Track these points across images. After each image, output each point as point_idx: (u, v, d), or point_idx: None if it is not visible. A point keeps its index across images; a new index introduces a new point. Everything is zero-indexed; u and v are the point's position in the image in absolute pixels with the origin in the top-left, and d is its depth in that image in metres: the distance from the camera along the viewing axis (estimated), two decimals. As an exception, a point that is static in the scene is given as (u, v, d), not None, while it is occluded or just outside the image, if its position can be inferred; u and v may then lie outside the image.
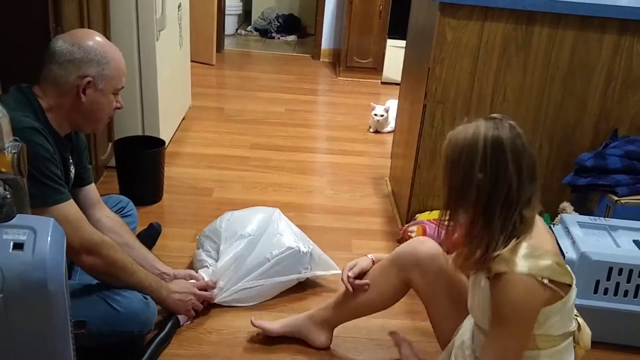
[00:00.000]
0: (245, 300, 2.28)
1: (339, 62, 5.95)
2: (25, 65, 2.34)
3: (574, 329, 1.56)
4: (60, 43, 1.79)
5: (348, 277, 1.93)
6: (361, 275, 1.95)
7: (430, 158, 2.82)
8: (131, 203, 2.44)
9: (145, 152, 2.97)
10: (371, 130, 4.39)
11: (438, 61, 2.66)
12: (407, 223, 2.83)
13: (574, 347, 1.57)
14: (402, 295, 1.94)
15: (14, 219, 1.27)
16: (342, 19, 6.05)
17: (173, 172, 3.35)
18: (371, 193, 3.39)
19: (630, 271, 2.16)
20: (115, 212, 2.29)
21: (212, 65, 5.77)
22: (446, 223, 1.52)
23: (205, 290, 2.20)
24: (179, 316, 2.11)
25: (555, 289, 1.41)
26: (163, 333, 2.02)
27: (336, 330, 2.11)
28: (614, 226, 2.38)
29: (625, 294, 2.19)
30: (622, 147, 2.59)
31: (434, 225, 2.39)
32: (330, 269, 2.43)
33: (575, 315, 1.59)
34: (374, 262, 1.97)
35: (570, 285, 1.46)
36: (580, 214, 2.56)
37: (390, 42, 5.60)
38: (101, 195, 2.40)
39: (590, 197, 2.66)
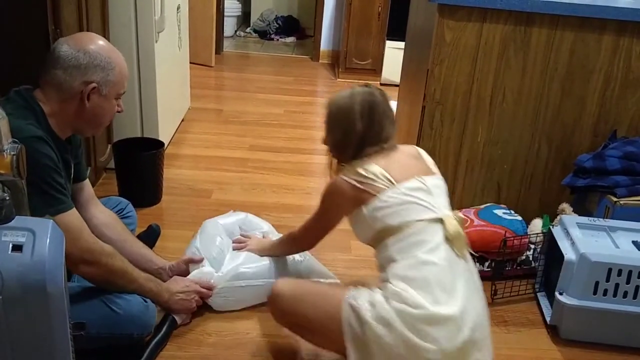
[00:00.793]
0: (239, 302, 2.27)
1: (338, 63, 5.95)
2: (24, 67, 2.35)
3: (420, 218, 1.77)
4: (65, 48, 1.77)
5: None
6: None
7: (429, 159, 2.82)
8: (130, 205, 2.43)
9: (144, 154, 2.97)
10: (370, 131, 4.38)
11: (437, 62, 2.67)
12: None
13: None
14: None
15: (12, 221, 1.27)
16: (341, 20, 6.05)
17: (172, 173, 3.34)
18: (370, 194, 3.38)
19: (630, 272, 2.16)
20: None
21: (211, 66, 5.76)
22: (332, 162, 1.99)
23: (208, 288, 2.19)
24: (175, 316, 2.11)
25: (361, 187, 1.80)
26: (160, 334, 2.02)
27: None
28: (613, 227, 2.38)
29: (625, 295, 2.19)
30: (621, 148, 2.59)
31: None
32: (328, 278, 2.42)
33: (447, 215, 1.82)
34: None
35: (386, 187, 1.80)
36: (579, 215, 2.56)
37: (389, 44, 5.60)
38: (100, 197, 2.40)
39: (590, 198, 2.66)
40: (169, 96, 3.62)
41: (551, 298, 2.34)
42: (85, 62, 1.76)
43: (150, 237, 2.55)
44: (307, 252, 2.38)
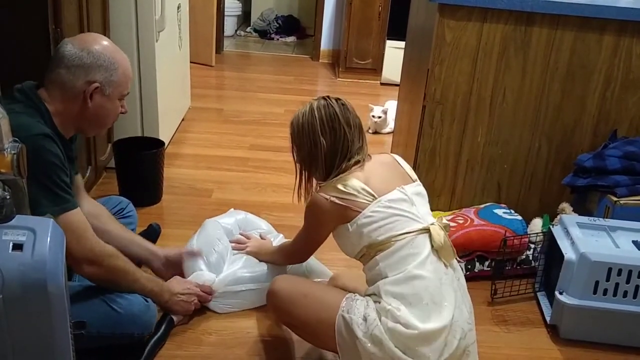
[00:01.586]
0: (238, 305, 2.27)
1: (338, 63, 5.95)
2: (24, 66, 2.34)
3: (407, 231, 1.76)
4: (70, 47, 1.78)
5: None
6: None
7: (429, 159, 2.82)
8: (131, 204, 2.44)
9: (144, 153, 2.97)
10: (370, 131, 4.39)
11: (437, 62, 2.67)
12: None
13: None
14: None
15: (13, 220, 1.27)
16: (341, 20, 6.05)
17: (172, 173, 3.34)
18: (370, 194, 3.38)
19: (630, 272, 2.16)
20: (114, 213, 2.30)
21: (212, 66, 5.76)
22: (304, 184, 1.96)
23: (208, 293, 2.19)
24: (173, 316, 2.10)
25: (342, 204, 1.78)
26: (159, 334, 2.02)
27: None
28: (613, 227, 2.38)
29: (625, 294, 2.19)
30: (621, 148, 2.59)
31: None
32: (327, 276, 2.42)
33: (432, 223, 1.81)
34: None
35: (369, 202, 1.77)
36: (579, 214, 2.56)
37: (389, 43, 5.60)
38: (101, 197, 2.41)
39: (590, 198, 2.66)
40: (170, 95, 3.62)
41: (551, 297, 2.34)
42: (89, 62, 1.77)
43: (150, 236, 2.55)
44: None
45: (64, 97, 1.79)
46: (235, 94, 5.10)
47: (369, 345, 1.70)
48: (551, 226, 2.47)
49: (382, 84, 5.74)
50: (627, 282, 2.17)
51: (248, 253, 2.32)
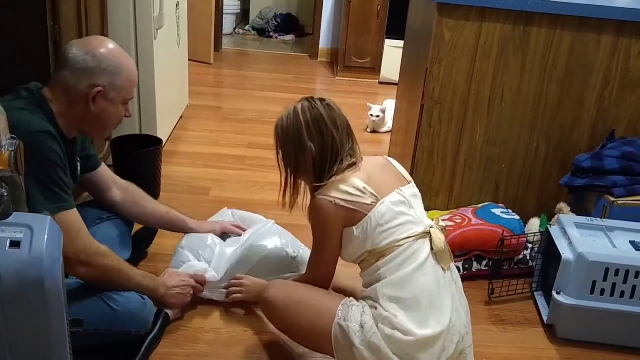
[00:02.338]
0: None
1: (337, 61, 5.95)
2: (22, 63, 2.35)
3: (409, 235, 1.73)
4: (75, 50, 1.79)
5: None
6: None
7: (427, 158, 2.82)
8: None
9: (142, 151, 2.97)
10: (368, 130, 4.39)
11: (436, 61, 2.67)
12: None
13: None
14: None
15: (10, 217, 1.27)
16: (340, 18, 6.05)
17: (170, 171, 3.34)
18: (368, 193, 3.38)
19: (627, 272, 2.16)
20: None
21: (210, 64, 5.76)
22: (290, 190, 1.90)
23: (201, 283, 2.19)
24: (168, 311, 2.09)
25: (349, 206, 1.72)
26: (155, 331, 2.00)
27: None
28: (610, 227, 2.38)
29: (622, 295, 2.19)
30: (619, 149, 2.60)
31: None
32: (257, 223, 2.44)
33: (431, 226, 1.78)
34: None
35: (374, 203, 1.73)
36: (577, 214, 2.56)
37: (388, 42, 5.61)
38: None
39: (587, 198, 2.66)
40: (168, 93, 3.62)
41: (548, 297, 2.34)
42: (93, 66, 1.78)
43: (148, 234, 2.54)
44: (301, 246, 2.38)
45: (67, 99, 1.80)
46: (234, 92, 5.10)
47: (367, 352, 1.69)
48: (549, 226, 2.47)
49: (380, 82, 5.75)
50: (624, 282, 2.17)
51: (246, 299, 2.19)
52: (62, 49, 1.83)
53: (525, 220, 2.67)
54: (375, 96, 5.24)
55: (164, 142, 3.24)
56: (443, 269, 1.77)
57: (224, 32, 6.61)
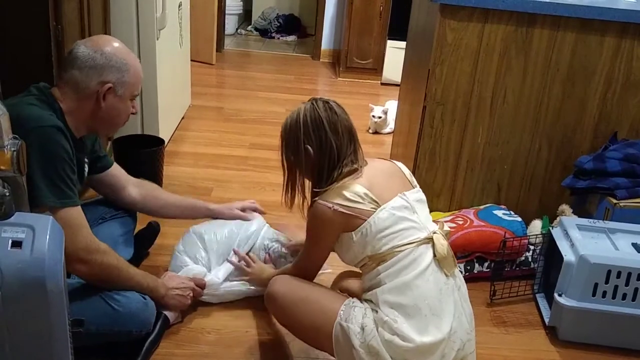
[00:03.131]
0: (230, 297, 2.28)
1: (339, 62, 5.95)
2: (25, 62, 2.35)
3: (411, 240, 1.72)
4: (83, 49, 1.83)
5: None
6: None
7: (429, 159, 2.82)
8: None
9: (144, 151, 2.97)
10: (370, 131, 4.39)
11: (438, 63, 2.66)
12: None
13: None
14: None
15: (12, 217, 1.27)
16: (342, 19, 6.04)
17: (172, 171, 3.34)
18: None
19: (629, 274, 2.16)
20: (114, 211, 2.31)
21: (212, 64, 5.76)
22: (290, 190, 1.89)
23: (201, 286, 2.19)
24: (167, 313, 2.08)
25: (347, 212, 1.71)
26: (154, 333, 1.99)
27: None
28: (612, 229, 2.38)
29: (624, 297, 2.19)
30: (621, 150, 2.59)
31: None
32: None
33: (434, 232, 1.77)
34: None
35: (373, 209, 1.72)
36: (579, 216, 2.56)
37: (390, 43, 5.60)
38: (100, 195, 2.40)
39: (589, 200, 2.66)
40: (170, 93, 3.62)
41: (550, 299, 2.34)
42: (102, 63, 1.83)
43: (149, 234, 2.55)
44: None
45: (77, 97, 1.84)
46: (236, 93, 5.09)
47: (366, 355, 1.68)
48: (551, 228, 2.47)
49: (382, 83, 5.74)
50: (626, 284, 2.17)
51: (250, 278, 2.26)
52: (68, 50, 1.86)
53: (527, 221, 2.66)
54: (377, 97, 5.24)
55: (165, 143, 3.25)
56: (446, 275, 1.75)
57: (226, 32, 6.60)
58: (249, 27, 7.75)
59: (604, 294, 2.19)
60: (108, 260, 1.85)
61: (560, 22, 2.60)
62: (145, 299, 1.94)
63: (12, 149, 1.29)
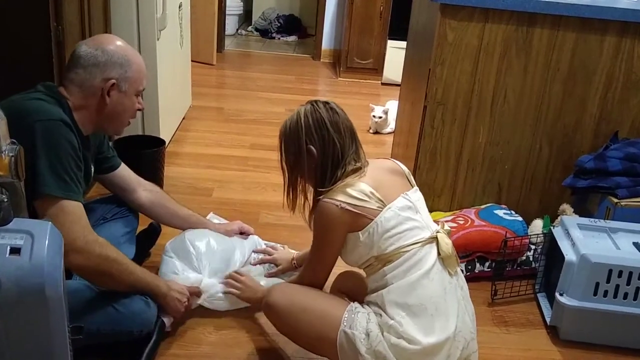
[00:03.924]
0: (225, 305, 2.24)
1: (339, 62, 5.94)
2: (25, 63, 2.35)
3: (416, 240, 1.72)
4: (84, 48, 1.86)
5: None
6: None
7: (430, 159, 2.82)
8: (131, 203, 2.43)
9: (144, 152, 2.97)
10: (371, 131, 4.39)
11: (439, 62, 2.66)
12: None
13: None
14: None
15: (10, 223, 1.25)
16: (342, 19, 6.04)
17: (173, 171, 3.34)
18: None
19: (630, 273, 2.16)
20: (115, 212, 2.31)
21: (213, 65, 5.76)
22: (291, 192, 1.88)
23: (197, 294, 2.16)
24: (164, 319, 2.02)
25: (354, 211, 1.69)
26: (152, 341, 1.95)
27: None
28: (613, 228, 2.37)
29: (625, 296, 2.18)
30: (622, 149, 2.59)
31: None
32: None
33: (437, 231, 1.77)
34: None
35: (380, 208, 1.71)
36: (580, 216, 2.56)
37: (390, 43, 5.60)
38: (101, 195, 2.41)
39: (590, 199, 2.66)
40: (170, 94, 3.62)
41: (551, 299, 2.34)
42: (104, 60, 1.85)
43: (150, 235, 2.55)
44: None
45: (83, 95, 1.86)
46: (236, 93, 5.09)
47: None
48: (552, 227, 2.47)
49: (383, 83, 5.74)
50: (628, 283, 2.17)
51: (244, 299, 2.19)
52: (70, 51, 1.88)
53: (528, 221, 2.66)
54: (377, 97, 5.23)
55: (166, 143, 3.24)
56: (450, 274, 1.75)
57: (226, 33, 6.60)
58: (250, 28, 7.75)
59: (605, 293, 2.19)
60: (107, 252, 1.79)
61: (561, 22, 2.60)
62: (146, 299, 1.92)
63: (10, 154, 1.28)
